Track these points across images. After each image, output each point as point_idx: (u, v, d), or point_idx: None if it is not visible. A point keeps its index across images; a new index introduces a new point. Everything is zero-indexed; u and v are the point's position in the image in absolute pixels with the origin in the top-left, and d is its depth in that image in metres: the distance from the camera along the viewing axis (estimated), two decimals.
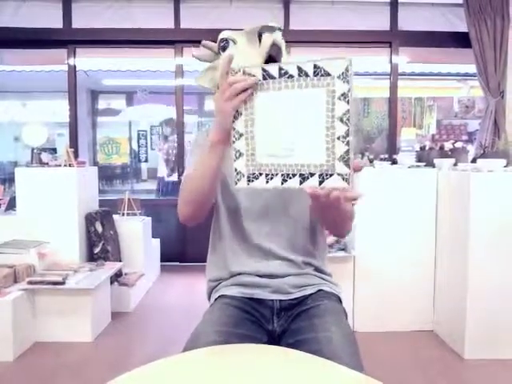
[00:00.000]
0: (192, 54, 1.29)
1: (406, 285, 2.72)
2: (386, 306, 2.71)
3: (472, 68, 4.21)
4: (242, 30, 1.19)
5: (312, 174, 0.82)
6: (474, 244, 2.32)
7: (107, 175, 7.19)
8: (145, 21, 4.18)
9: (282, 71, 0.83)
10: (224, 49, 1.18)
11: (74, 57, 4.29)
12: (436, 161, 2.83)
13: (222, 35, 1.19)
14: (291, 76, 0.83)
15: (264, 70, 0.85)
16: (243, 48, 1.14)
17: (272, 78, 0.85)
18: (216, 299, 1.18)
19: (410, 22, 4.21)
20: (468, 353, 2.36)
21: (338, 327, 1.01)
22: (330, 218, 1.01)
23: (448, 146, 3.04)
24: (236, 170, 0.91)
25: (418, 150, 3.26)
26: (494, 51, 3.91)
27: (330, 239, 2.79)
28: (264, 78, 0.86)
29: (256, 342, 1.04)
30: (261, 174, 0.88)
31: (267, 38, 1.08)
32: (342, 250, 2.76)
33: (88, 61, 5.26)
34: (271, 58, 1.10)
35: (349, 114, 0.78)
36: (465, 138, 5.46)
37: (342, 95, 0.78)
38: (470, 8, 3.93)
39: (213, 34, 1.30)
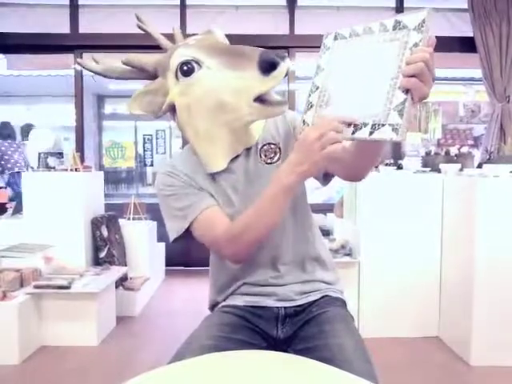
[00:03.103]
0: (79, 62, 1.15)
1: (411, 290, 2.70)
2: (391, 312, 2.70)
3: (477, 72, 4.21)
4: (189, 42, 1.06)
5: (365, 125, 0.82)
6: (480, 249, 2.31)
7: (113, 179, 7.22)
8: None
9: (367, 28, 0.87)
10: (188, 73, 1.03)
11: None
12: (442, 166, 2.82)
13: (181, 57, 1.03)
14: (373, 32, 0.86)
15: (352, 29, 0.90)
16: (220, 73, 1.00)
17: (357, 35, 0.89)
18: (218, 308, 1.18)
19: None
20: (474, 359, 2.34)
21: (348, 334, 1.01)
22: (363, 160, 1.01)
23: (454, 151, 3.04)
24: (304, 121, 0.93)
25: (424, 154, 3.25)
26: (500, 56, 3.90)
27: (336, 244, 2.78)
28: (350, 36, 0.90)
29: (252, 347, 1.04)
30: None
31: (283, 69, 0.96)
32: (348, 255, 2.75)
33: None
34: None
35: None
36: (470, 142, 5.45)
37: (414, 45, 0.78)
38: (475, 12, 3.93)
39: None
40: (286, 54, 1.00)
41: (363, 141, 0.84)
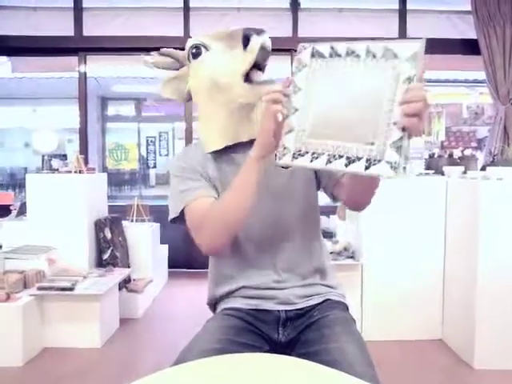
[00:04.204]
0: (143, 60, 1.23)
1: (414, 293, 2.69)
2: (394, 314, 2.69)
3: (481, 74, 4.20)
4: (209, 34, 1.15)
5: (359, 158, 0.79)
6: (483, 252, 2.30)
7: (116, 181, 7.25)
8: (154, 28, 4.22)
9: (350, 50, 0.82)
10: (196, 56, 1.12)
11: (85, 64, 4.34)
12: (445, 168, 2.82)
13: (192, 41, 1.14)
14: (358, 56, 0.81)
15: (332, 47, 0.85)
16: (220, 54, 1.08)
17: (338, 55, 0.84)
18: (220, 311, 1.18)
19: (418, 29, 4.20)
20: (478, 363, 2.33)
21: (350, 337, 1.01)
22: (360, 186, 1.01)
23: (457, 153, 3.03)
24: (284, 145, 0.89)
25: (427, 157, 3.25)
26: (504, 58, 3.89)
27: (338, 246, 2.78)
28: (330, 56, 0.85)
29: (255, 350, 1.03)
30: (307, 152, 0.86)
31: (256, 41, 1.01)
32: (350, 257, 2.75)
33: (98, 68, 5.32)
34: (256, 65, 1.05)
35: None
36: (474, 144, 5.44)
37: (408, 79, 0.75)
38: (479, 15, 3.92)
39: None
40: (265, 30, 1.04)
41: (358, 174, 0.82)
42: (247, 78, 1.06)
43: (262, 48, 1.02)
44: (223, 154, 1.14)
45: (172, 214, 1.14)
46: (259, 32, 1.02)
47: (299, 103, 0.88)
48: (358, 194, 1.06)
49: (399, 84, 0.76)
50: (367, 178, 0.90)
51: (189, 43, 1.13)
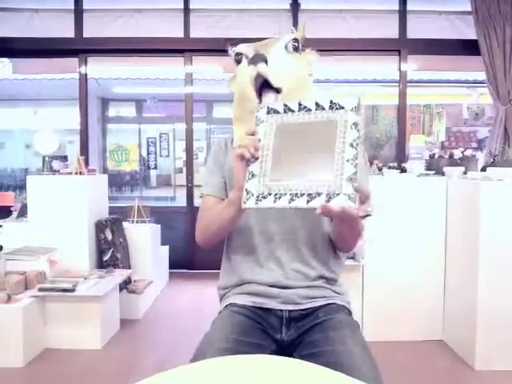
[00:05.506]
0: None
1: (415, 294, 2.70)
2: (395, 315, 2.69)
3: (481, 75, 4.20)
4: (252, 42, 1.24)
5: (319, 194, 0.87)
6: (484, 253, 2.30)
7: (117, 182, 7.24)
8: (154, 30, 4.23)
9: (301, 106, 0.96)
10: (239, 62, 1.23)
11: (85, 65, 4.35)
12: (445, 169, 2.82)
13: (238, 49, 1.24)
14: (309, 110, 0.95)
15: (285, 105, 0.98)
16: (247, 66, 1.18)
17: (292, 111, 0.97)
18: (226, 306, 1.19)
19: (418, 29, 4.20)
20: (479, 364, 2.33)
21: (354, 340, 1.02)
22: (342, 234, 1.09)
23: (457, 154, 3.03)
24: (247, 190, 0.96)
25: (428, 158, 3.24)
26: (504, 59, 3.89)
27: None
28: (284, 112, 0.98)
29: (264, 350, 1.06)
30: (270, 194, 0.93)
31: (252, 71, 1.13)
32: (351, 258, 2.75)
33: (99, 69, 5.33)
34: (268, 84, 1.13)
35: (358, 140, 0.88)
36: (474, 145, 5.43)
37: (354, 124, 0.89)
38: (479, 16, 3.92)
39: (222, 42, 1.32)
40: (261, 59, 1.13)
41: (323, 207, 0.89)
42: (261, 94, 1.15)
43: (259, 75, 1.12)
44: None
45: (202, 190, 1.28)
46: (255, 61, 1.12)
47: (259, 153, 0.99)
48: (343, 241, 1.16)
49: (347, 129, 0.90)
50: (349, 225, 1.02)
51: (236, 49, 1.24)
